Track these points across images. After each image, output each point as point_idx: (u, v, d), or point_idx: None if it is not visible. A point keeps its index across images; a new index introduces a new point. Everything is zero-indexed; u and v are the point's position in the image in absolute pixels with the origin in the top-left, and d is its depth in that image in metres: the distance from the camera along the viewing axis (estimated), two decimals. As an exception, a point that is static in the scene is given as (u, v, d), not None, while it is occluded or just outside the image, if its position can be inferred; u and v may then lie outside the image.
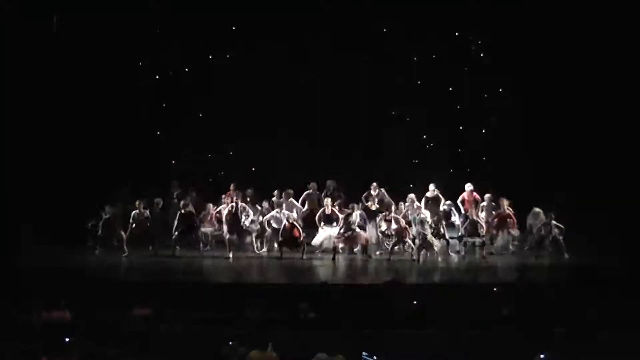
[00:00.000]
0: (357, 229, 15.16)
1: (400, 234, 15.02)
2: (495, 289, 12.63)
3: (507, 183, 16.78)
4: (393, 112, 18.82)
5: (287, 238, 15.25)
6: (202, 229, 15.55)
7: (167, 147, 18.49)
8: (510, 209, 15.69)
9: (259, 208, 16.18)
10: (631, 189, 16.22)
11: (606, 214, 15.81)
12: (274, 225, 15.65)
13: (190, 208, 15.39)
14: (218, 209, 15.71)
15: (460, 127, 18.73)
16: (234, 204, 15.27)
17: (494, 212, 15.85)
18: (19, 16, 16.04)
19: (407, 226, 15.15)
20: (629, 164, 16.41)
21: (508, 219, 15.65)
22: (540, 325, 10.95)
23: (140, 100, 18.15)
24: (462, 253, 15.62)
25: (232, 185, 16.32)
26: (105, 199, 15.84)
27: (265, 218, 15.78)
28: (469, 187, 16.48)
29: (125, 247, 15.27)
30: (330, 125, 18.25)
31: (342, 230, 15.23)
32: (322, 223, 15.64)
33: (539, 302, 12.11)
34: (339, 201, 16.05)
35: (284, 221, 15.28)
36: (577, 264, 14.78)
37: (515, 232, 15.72)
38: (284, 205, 15.83)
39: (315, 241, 15.65)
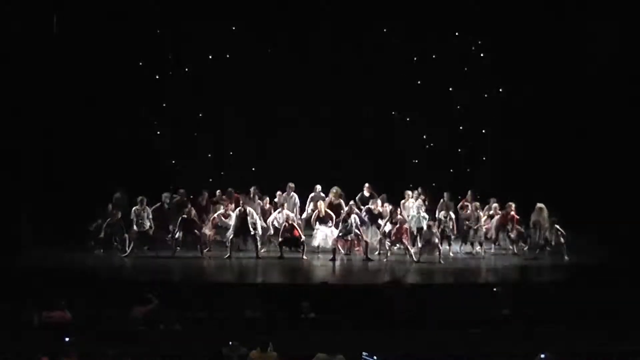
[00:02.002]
0: (357, 231, 15.15)
1: (400, 234, 14.97)
2: (495, 289, 12.63)
3: (509, 184, 16.83)
4: (393, 113, 18.88)
5: (287, 238, 15.25)
6: (203, 231, 15.53)
7: (167, 148, 18.53)
8: (514, 212, 15.64)
9: (260, 203, 16.16)
10: (631, 189, 16.22)
11: (606, 215, 15.83)
12: (275, 225, 15.63)
13: (192, 214, 15.33)
14: (220, 213, 15.66)
15: (460, 127, 18.75)
16: (242, 208, 15.25)
17: (499, 213, 15.82)
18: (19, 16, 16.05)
19: (407, 227, 15.12)
20: (630, 164, 16.41)
21: (509, 222, 15.61)
22: (541, 325, 10.98)
23: (141, 101, 18.17)
24: (462, 253, 15.63)
25: (230, 190, 16.42)
26: (107, 201, 15.84)
27: (269, 220, 15.74)
28: (469, 193, 16.50)
29: (126, 248, 15.25)
30: (332, 126, 18.35)
31: (341, 234, 15.21)
32: (317, 223, 15.65)
33: (539, 302, 12.11)
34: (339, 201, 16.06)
35: (284, 222, 15.27)
36: (577, 264, 14.77)
37: (513, 234, 15.66)
38: (285, 204, 15.84)
39: (314, 242, 15.61)
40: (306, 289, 12.73)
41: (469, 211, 15.72)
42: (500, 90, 18.55)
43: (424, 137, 18.88)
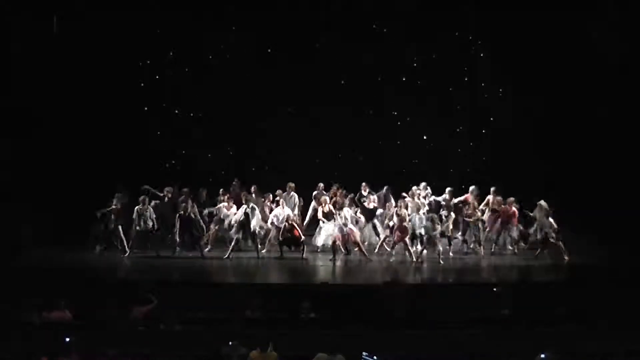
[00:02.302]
0: (350, 226, 15.14)
1: (402, 231, 14.94)
2: (495, 289, 12.62)
3: (509, 183, 16.83)
4: (393, 113, 18.90)
5: (287, 238, 15.24)
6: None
7: (167, 148, 18.53)
8: (514, 208, 15.62)
9: (262, 200, 16.15)
10: (631, 189, 16.23)
11: (606, 215, 15.82)
12: (275, 222, 15.60)
13: (191, 213, 15.30)
14: (224, 205, 15.61)
15: (460, 127, 18.77)
16: (245, 206, 15.26)
17: (500, 207, 15.77)
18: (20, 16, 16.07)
19: (408, 224, 15.11)
20: (630, 164, 16.41)
21: (511, 218, 15.57)
22: (540, 325, 10.98)
23: (141, 101, 18.17)
24: (462, 253, 15.64)
25: (235, 183, 16.41)
26: (107, 201, 15.82)
27: (270, 218, 15.71)
28: (472, 189, 16.41)
29: (126, 247, 15.26)
30: (332, 126, 18.36)
31: (338, 230, 15.19)
32: (321, 221, 15.64)
33: (539, 302, 12.11)
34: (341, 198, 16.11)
35: (284, 222, 15.25)
36: (577, 264, 14.77)
37: (514, 233, 15.65)
38: (284, 202, 15.84)
39: (318, 242, 15.58)
40: (306, 289, 12.72)
41: (469, 210, 15.71)
42: (500, 90, 18.57)
43: (424, 137, 18.88)
